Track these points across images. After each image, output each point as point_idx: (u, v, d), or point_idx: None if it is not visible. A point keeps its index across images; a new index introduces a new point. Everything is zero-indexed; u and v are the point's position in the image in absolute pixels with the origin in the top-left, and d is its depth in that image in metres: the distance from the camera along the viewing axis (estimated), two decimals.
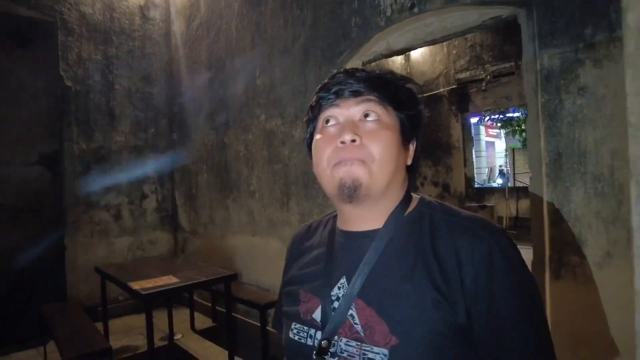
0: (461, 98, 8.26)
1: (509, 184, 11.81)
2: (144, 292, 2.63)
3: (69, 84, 4.50)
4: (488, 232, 0.67)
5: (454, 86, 8.25)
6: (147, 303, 2.68)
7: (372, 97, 0.73)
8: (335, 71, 0.80)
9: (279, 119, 3.46)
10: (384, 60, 8.42)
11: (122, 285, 2.93)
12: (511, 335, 0.63)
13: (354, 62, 2.87)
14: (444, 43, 8.43)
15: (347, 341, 0.68)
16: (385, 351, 0.64)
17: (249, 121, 3.80)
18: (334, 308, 0.72)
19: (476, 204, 8.23)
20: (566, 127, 1.83)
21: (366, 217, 0.76)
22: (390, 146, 0.71)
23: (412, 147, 0.79)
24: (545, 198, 1.89)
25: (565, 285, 1.78)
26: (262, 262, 3.70)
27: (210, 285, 3.08)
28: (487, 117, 17.11)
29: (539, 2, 1.91)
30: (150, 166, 5.11)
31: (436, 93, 8.51)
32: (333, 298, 0.73)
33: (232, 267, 4.11)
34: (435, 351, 0.62)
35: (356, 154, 0.70)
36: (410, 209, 0.77)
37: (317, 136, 0.78)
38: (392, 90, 0.74)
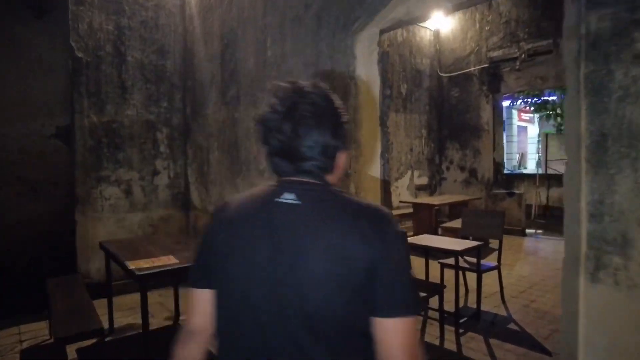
0: (493, 78, 7.77)
1: (541, 171, 11.23)
2: (138, 273, 2.50)
3: (80, 54, 4.37)
4: None
5: (485, 65, 7.76)
6: (143, 283, 2.55)
7: None
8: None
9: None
10: (411, 36, 8.00)
11: (120, 263, 2.81)
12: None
13: (370, 30, 2.59)
14: (477, 18, 7.90)
15: None
16: None
17: (259, 95, 3.58)
18: None
19: (504, 191, 7.81)
20: (614, 103, 1.52)
21: None
22: None
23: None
24: (584, 187, 1.60)
25: (605, 290, 1.51)
26: None
27: None
28: (521, 100, 16.30)
29: None
30: (162, 142, 4.99)
31: (466, 72, 8.04)
32: None
33: None
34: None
35: None
36: None
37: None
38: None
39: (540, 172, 10.78)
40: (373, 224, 0.82)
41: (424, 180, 8.31)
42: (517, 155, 24.53)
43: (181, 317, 3.87)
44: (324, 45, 2.84)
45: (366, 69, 2.63)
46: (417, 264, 4.02)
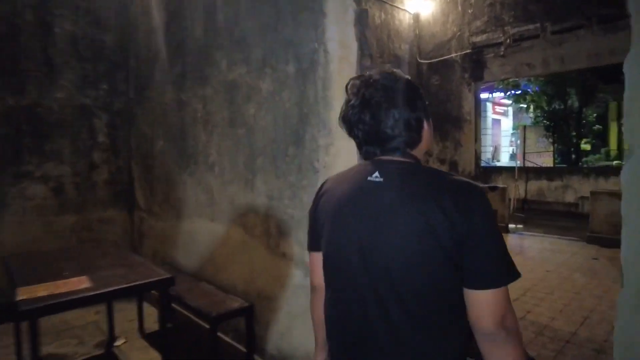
0: (475, 64, 7.27)
1: (519, 164, 10.92)
2: (24, 307, 1.80)
3: None
4: None
5: (468, 50, 7.24)
6: (31, 322, 1.85)
7: None
8: None
9: (243, 65, 2.54)
10: (389, 19, 7.40)
11: (10, 289, 2.09)
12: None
13: None
14: (459, 1, 7.37)
15: None
16: None
17: (207, 71, 2.89)
18: None
19: (486, 185, 7.37)
20: None
21: None
22: None
23: None
24: None
25: None
26: (223, 255, 2.86)
27: (136, 292, 2.25)
28: (499, 92, 16.05)
29: None
30: (101, 130, 4.22)
31: (447, 58, 7.50)
32: None
33: (187, 258, 3.28)
34: None
35: None
36: None
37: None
38: None
39: (518, 165, 10.47)
40: (459, 199, 0.83)
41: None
42: (491, 149, 24.65)
43: (115, 343, 3.16)
44: (285, 0, 2.18)
45: (339, 30, 2.00)
46: None
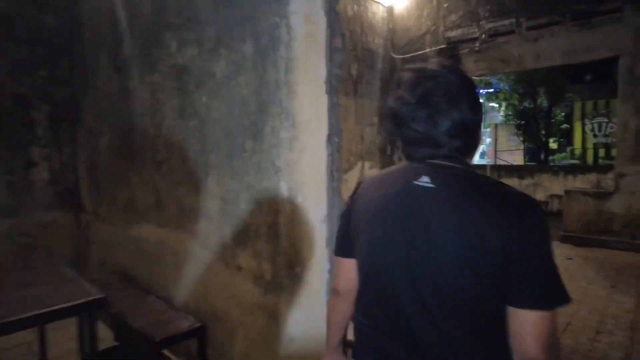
0: (450, 60, 7.08)
1: (491, 162, 10.92)
2: None
3: None
4: None
5: (442, 46, 7.05)
6: None
7: None
8: None
9: (195, 46, 2.17)
10: (362, 11, 7.13)
11: None
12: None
13: None
14: None
15: None
16: None
17: (156, 54, 2.50)
18: None
19: None
20: None
21: None
22: None
23: None
24: None
25: None
26: (174, 266, 2.49)
27: (54, 318, 1.85)
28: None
29: None
30: (40, 123, 3.73)
31: (422, 53, 7.29)
32: None
33: (136, 268, 2.88)
34: None
35: None
36: None
37: None
38: None
39: (489, 163, 10.46)
40: (513, 211, 0.79)
41: (374, 172, 7.52)
42: None
43: None
44: None
45: (305, 3, 1.67)
46: None
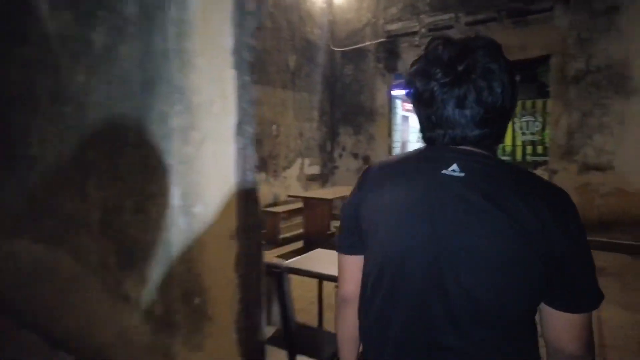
0: (390, 55, 6.91)
1: None
2: None
3: None
4: None
5: (382, 39, 6.86)
6: None
7: None
8: None
9: (70, 10, 1.67)
10: (301, 0, 6.78)
11: None
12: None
13: None
14: None
15: None
16: None
17: (25, 22, 1.94)
18: None
19: None
20: None
21: None
22: None
23: None
24: None
25: None
26: (51, 292, 1.95)
27: None
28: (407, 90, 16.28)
29: None
30: None
31: (361, 47, 7.06)
32: None
33: (9, 292, 2.29)
34: None
35: None
36: None
37: None
38: None
39: None
40: (556, 208, 0.72)
41: (315, 170, 7.20)
42: (399, 144, 25.70)
43: None
44: None
45: None
46: (305, 290, 2.86)
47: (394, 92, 7.86)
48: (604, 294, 0.75)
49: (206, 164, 1.29)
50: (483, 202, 0.72)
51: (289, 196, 5.60)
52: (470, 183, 0.74)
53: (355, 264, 0.89)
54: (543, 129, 13.33)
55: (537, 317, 0.77)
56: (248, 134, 1.33)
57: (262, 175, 5.86)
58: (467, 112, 0.74)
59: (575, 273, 0.72)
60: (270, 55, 6.07)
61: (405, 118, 28.56)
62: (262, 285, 1.40)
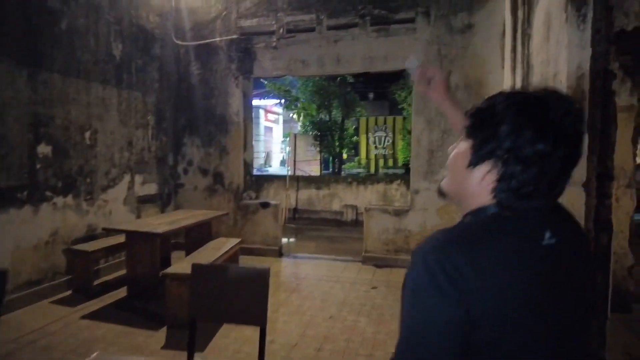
0: (244, 55, 5.93)
1: (290, 172, 10.38)
2: None
3: None
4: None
5: (235, 36, 5.85)
6: None
7: None
8: None
9: None
10: None
11: None
12: None
13: None
14: None
15: None
16: None
17: None
18: None
19: (257, 201, 6.13)
20: None
21: None
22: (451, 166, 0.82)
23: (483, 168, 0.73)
24: None
25: None
26: None
27: None
28: (271, 98, 15.69)
29: None
30: None
31: (210, 42, 5.93)
32: None
33: None
34: None
35: None
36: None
37: None
38: None
39: (289, 173, 9.89)
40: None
41: (151, 189, 5.76)
42: (264, 154, 25.04)
43: None
44: None
45: None
46: None
47: (256, 102, 7.00)
48: None
49: None
50: (574, 271, 0.75)
51: (104, 229, 4.13)
52: (563, 251, 0.75)
53: None
54: (393, 143, 14.12)
55: None
56: None
57: (68, 200, 4.27)
58: (562, 178, 0.74)
59: None
60: (83, 38, 4.53)
61: (269, 129, 28.03)
62: None
